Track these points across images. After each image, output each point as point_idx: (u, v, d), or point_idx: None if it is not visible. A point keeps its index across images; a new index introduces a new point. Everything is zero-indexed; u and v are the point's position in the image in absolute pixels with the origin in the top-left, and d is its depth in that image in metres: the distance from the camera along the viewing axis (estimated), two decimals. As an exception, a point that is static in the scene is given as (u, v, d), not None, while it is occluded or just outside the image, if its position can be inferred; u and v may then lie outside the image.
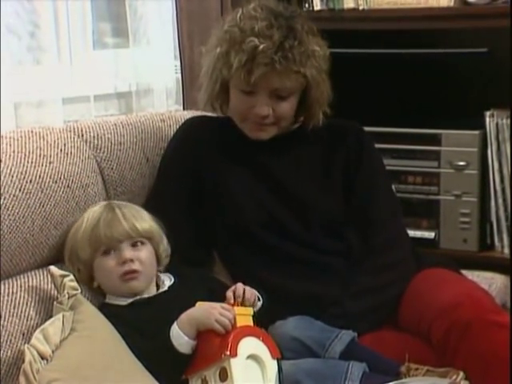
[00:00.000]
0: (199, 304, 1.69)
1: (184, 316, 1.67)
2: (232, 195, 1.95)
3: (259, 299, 1.78)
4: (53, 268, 1.73)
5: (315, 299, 1.85)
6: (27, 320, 1.73)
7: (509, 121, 2.53)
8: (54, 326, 1.64)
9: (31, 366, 1.58)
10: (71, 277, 1.72)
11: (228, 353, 1.57)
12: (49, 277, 1.76)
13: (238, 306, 1.69)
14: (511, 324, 1.78)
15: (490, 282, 2.26)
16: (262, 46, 1.83)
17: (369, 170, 2.01)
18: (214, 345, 1.61)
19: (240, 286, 1.74)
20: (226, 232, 1.96)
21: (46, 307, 1.76)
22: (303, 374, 1.66)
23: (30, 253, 1.80)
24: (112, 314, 1.74)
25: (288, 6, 1.96)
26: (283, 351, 1.69)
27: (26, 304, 1.75)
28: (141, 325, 1.71)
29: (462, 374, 1.67)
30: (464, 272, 2.06)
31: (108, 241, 1.78)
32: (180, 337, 1.65)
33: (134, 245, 1.79)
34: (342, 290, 1.88)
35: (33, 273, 1.82)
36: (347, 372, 1.66)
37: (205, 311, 1.66)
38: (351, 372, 1.66)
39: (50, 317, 1.69)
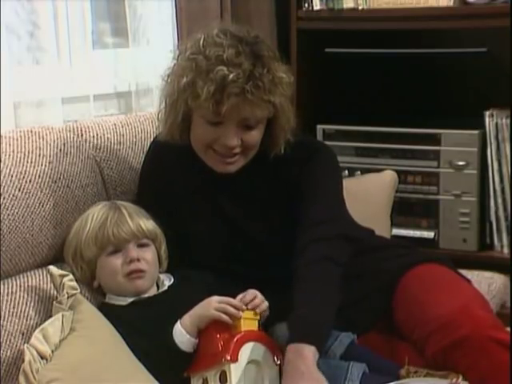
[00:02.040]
0: None
1: (186, 315, 1.68)
2: (186, 229, 1.93)
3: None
4: (52, 268, 1.73)
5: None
6: (27, 320, 1.73)
7: (508, 120, 2.53)
8: (53, 326, 1.65)
9: (31, 365, 1.58)
10: (70, 276, 1.72)
11: (229, 358, 1.57)
12: (48, 276, 1.76)
13: (245, 310, 1.67)
14: (511, 322, 1.78)
15: (489, 281, 2.26)
16: (231, 76, 1.73)
17: (308, 177, 1.90)
18: (217, 346, 1.61)
19: (252, 292, 1.72)
20: (192, 263, 1.93)
21: (46, 307, 1.76)
22: None
23: (30, 252, 1.80)
24: (112, 313, 1.74)
25: (250, 30, 1.84)
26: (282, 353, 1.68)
27: (26, 304, 1.75)
28: (141, 324, 1.71)
29: (461, 376, 1.67)
30: (463, 272, 2.05)
31: (116, 240, 1.78)
32: (182, 335, 1.65)
33: (140, 245, 1.81)
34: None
35: (32, 272, 1.82)
36: (347, 372, 1.66)
37: (203, 304, 1.68)
38: (351, 372, 1.66)
39: (50, 316, 1.69)
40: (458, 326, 1.73)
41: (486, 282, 2.23)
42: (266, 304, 1.72)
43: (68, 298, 1.69)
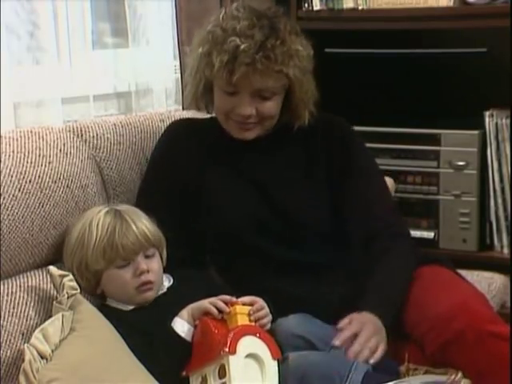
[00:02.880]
0: None
1: (183, 309, 1.70)
2: (216, 200, 1.94)
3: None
4: (52, 268, 1.73)
5: (308, 299, 1.83)
6: (26, 320, 1.73)
7: (508, 120, 2.53)
8: (53, 326, 1.64)
9: (31, 364, 1.57)
10: (70, 277, 1.71)
11: (227, 350, 1.57)
12: (48, 277, 1.76)
13: (240, 306, 1.68)
14: (511, 322, 1.78)
15: (489, 281, 2.26)
16: (243, 46, 1.82)
17: (359, 166, 1.99)
18: (215, 341, 1.62)
19: (260, 304, 1.70)
20: (213, 235, 1.94)
21: (46, 307, 1.76)
22: (310, 365, 1.65)
23: (30, 253, 1.80)
24: (112, 315, 1.74)
25: (271, 6, 1.95)
26: (287, 348, 1.68)
27: (26, 304, 1.75)
28: (141, 326, 1.71)
29: (460, 373, 1.67)
30: (463, 272, 2.05)
31: (125, 253, 1.75)
32: (179, 323, 1.67)
33: (147, 256, 1.79)
34: (350, 287, 1.87)
35: (32, 273, 1.81)
36: (350, 371, 1.65)
37: (199, 301, 1.70)
38: (354, 371, 1.65)
39: (50, 316, 1.69)
40: (456, 320, 1.74)
41: (485, 282, 2.23)
42: (268, 319, 1.71)
43: (68, 298, 1.69)
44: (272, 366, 1.63)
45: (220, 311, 1.67)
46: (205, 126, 2.04)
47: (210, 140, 2.00)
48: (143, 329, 1.70)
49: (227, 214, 1.93)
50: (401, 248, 1.92)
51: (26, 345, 1.61)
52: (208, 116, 2.08)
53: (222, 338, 1.61)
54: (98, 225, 1.77)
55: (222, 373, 1.59)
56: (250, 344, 1.62)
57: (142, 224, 1.79)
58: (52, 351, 1.62)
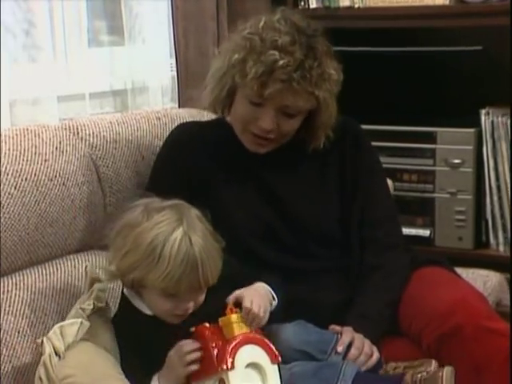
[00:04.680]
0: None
1: (161, 376, 1.62)
2: (225, 207, 1.90)
3: (274, 298, 1.71)
4: (90, 268, 1.73)
5: (312, 306, 1.83)
6: (22, 318, 1.73)
7: (504, 119, 2.53)
8: (70, 328, 1.63)
9: (51, 358, 1.58)
10: (102, 285, 1.69)
11: (225, 367, 1.55)
12: (44, 275, 1.76)
13: (234, 314, 1.63)
14: (511, 321, 1.79)
15: (485, 279, 2.26)
16: (282, 62, 1.78)
17: (366, 172, 1.98)
18: (213, 356, 1.59)
19: (247, 307, 1.64)
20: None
21: (42, 305, 1.76)
22: (297, 376, 1.66)
23: (25, 251, 1.80)
24: (130, 317, 1.67)
25: (311, 23, 1.89)
26: (284, 359, 1.66)
27: (22, 302, 1.75)
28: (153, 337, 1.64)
29: (434, 362, 1.68)
30: (459, 270, 2.06)
31: (182, 294, 1.62)
32: None
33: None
34: (346, 295, 1.88)
35: (28, 271, 1.81)
36: (340, 372, 1.65)
37: (170, 366, 1.61)
38: (344, 372, 1.65)
39: (45, 315, 1.69)
40: (454, 315, 1.75)
41: (481, 280, 2.23)
42: (263, 314, 1.65)
43: (93, 309, 1.66)
44: (273, 372, 1.61)
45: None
46: (213, 130, 2.01)
47: (218, 147, 1.96)
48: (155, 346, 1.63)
49: (234, 220, 1.90)
50: (392, 264, 1.93)
51: (44, 338, 1.61)
52: (213, 117, 2.07)
53: (220, 351, 1.58)
54: (170, 256, 1.59)
55: None
56: (249, 354, 1.60)
57: (209, 270, 1.62)
58: (65, 350, 1.61)
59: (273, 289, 1.73)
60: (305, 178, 1.96)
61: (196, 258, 1.59)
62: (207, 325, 1.63)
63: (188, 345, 1.60)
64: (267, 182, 1.94)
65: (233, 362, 1.56)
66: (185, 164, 1.94)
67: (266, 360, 1.61)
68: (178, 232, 1.60)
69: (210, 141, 1.98)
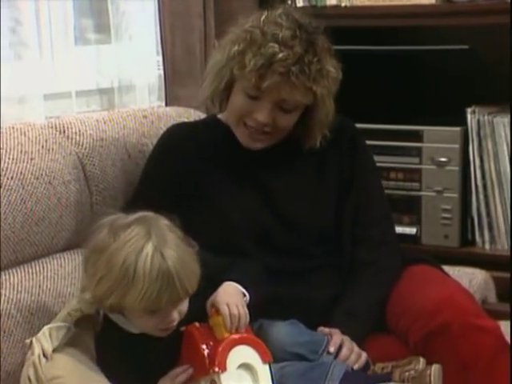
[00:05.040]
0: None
1: None
2: (220, 207, 1.90)
3: (245, 295, 1.69)
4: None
5: (306, 305, 1.83)
6: (8, 318, 1.73)
7: (490, 117, 2.54)
8: (57, 331, 1.64)
9: (40, 359, 1.59)
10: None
11: (216, 369, 1.55)
12: (30, 274, 1.75)
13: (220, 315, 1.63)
14: (511, 319, 1.79)
15: (470, 277, 2.27)
16: (281, 55, 1.79)
17: (362, 171, 1.99)
18: (204, 358, 1.58)
19: (227, 313, 1.62)
20: (213, 245, 1.81)
21: (28, 305, 1.75)
22: (287, 376, 1.66)
23: (11, 250, 1.79)
24: (114, 336, 1.65)
25: (312, 21, 1.90)
26: (276, 359, 1.66)
27: (7, 302, 1.74)
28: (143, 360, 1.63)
29: (422, 359, 1.69)
30: (445, 267, 2.07)
31: (164, 309, 1.58)
32: None
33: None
34: (336, 293, 1.88)
35: (14, 270, 1.81)
36: (328, 371, 1.66)
37: None
38: (332, 372, 1.66)
39: (32, 314, 1.68)
40: (441, 312, 1.76)
41: (467, 278, 2.24)
42: (243, 319, 1.63)
43: (80, 315, 1.66)
44: (264, 372, 1.61)
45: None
46: (206, 129, 2.00)
47: (211, 147, 1.96)
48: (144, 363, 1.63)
49: (230, 220, 1.89)
50: (384, 261, 1.93)
51: (34, 338, 1.61)
52: (201, 116, 2.06)
53: (211, 352, 1.58)
54: (144, 273, 1.53)
55: None
56: (240, 355, 1.59)
57: (187, 278, 1.58)
58: (52, 352, 1.61)
59: (254, 280, 1.72)
60: (301, 177, 1.96)
61: (171, 271, 1.54)
62: (197, 324, 1.63)
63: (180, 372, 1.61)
64: (263, 182, 1.93)
65: (224, 364, 1.56)
66: (174, 166, 1.93)
67: (258, 360, 1.61)
68: (149, 247, 1.55)
69: (203, 141, 1.97)
